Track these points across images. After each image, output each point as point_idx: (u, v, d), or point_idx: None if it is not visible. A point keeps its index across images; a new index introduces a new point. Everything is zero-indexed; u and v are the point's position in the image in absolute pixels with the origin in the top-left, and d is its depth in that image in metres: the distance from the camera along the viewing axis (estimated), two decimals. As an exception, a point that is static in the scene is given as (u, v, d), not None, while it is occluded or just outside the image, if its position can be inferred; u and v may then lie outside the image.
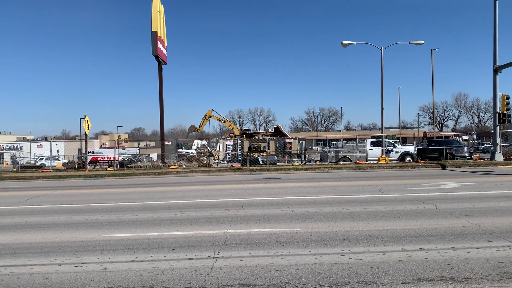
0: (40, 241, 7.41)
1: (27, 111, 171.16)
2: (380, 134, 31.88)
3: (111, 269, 5.56)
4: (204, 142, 45.25)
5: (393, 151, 31.77)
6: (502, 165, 24.32)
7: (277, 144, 44.46)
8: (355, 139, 34.03)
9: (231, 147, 42.83)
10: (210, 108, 43.17)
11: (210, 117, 43.52)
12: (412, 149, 33.07)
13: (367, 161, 30.21)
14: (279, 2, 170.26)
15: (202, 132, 45.46)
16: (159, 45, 32.92)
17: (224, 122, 47.14)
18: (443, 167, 23.95)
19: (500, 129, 29.72)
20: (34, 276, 5.39)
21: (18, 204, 12.95)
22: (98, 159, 38.06)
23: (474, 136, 59.59)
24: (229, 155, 42.02)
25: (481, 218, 8.32)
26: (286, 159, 37.98)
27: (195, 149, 46.97)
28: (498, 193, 12.04)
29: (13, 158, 42.97)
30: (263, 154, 36.13)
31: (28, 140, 78.15)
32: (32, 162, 43.90)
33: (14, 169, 34.56)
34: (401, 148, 32.54)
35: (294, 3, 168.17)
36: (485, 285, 4.57)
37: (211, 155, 40.46)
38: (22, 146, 55.20)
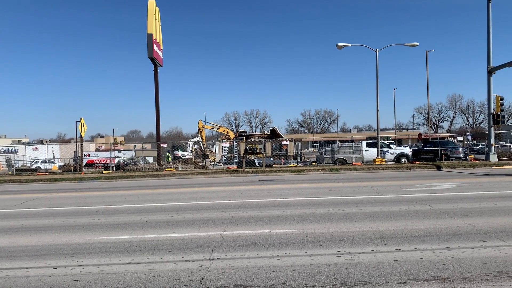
0: (36, 244, 7.40)
1: (22, 114, 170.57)
2: (376, 136, 32.00)
3: (108, 271, 5.56)
4: (198, 138, 44.96)
5: (388, 152, 31.90)
6: (496, 166, 24.46)
7: (273, 146, 44.46)
8: (350, 141, 34.16)
9: (227, 149, 42.84)
10: (199, 119, 43.59)
11: (203, 127, 43.79)
12: (407, 150, 33.21)
13: (362, 163, 30.30)
14: (275, 4, 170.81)
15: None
16: (155, 48, 32.93)
17: (218, 128, 47.51)
18: (438, 168, 24.06)
19: (494, 130, 29.91)
20: (30, 278, 5.39)
21: (13, 207, 12.90)
22: (94, 161, 38.02)
23: (469, 137, 59.94)
24: (225, 157, 42.02)
25: (475, 218, 8.39)
26: (282, 160, 37.99)
27: (190, 151, 46.93)
28: (493, 194, 12.13)
29: (8, 161, 42.73)
30: (259, 156, 36.11)
31: (23, 143, 77.62)
32: (28, 165, 43.66)
33: (10, 172, 34.41)
34: (396, 150, 32.69)
35: (289, 4, 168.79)
36: (479, 284, 4.61)
37: (206, 157, 40.40)
38: (17, 149, 54.88)
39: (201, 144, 44.21)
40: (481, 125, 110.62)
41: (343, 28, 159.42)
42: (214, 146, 50.01)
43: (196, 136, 47.04)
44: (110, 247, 6.98)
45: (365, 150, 32.19)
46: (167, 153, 40.87)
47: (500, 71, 28.26)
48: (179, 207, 11.53)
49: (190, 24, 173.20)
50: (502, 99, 27.87)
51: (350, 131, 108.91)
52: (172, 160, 37.07)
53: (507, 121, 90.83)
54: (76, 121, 39.39)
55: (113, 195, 15.77)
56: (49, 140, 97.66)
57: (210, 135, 75.17)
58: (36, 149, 61.01)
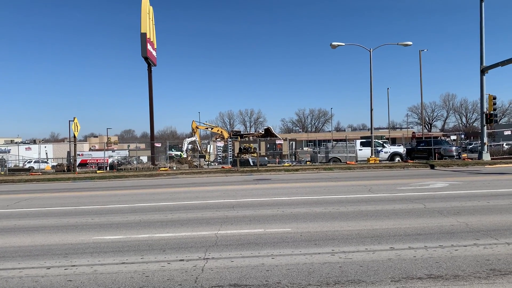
0: (29, 244, 7.34)
1: (15, 114, 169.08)
2: (370, 135, 32.11)
3: (101, 271, 5.54)
4: (195, 138, 44.92)
5: (382, 151, 32.03)
6: (489, 165, 24.63)
7: (268, 145, 44.53)
8: (345, 140, 34.29)
9: (221, 149, 42.80)
10: (192, 120, 43.51)
11: (197, 128, 43.75)
12: (401, 149, 33.36)
13: (357, 162, 30.39)
14: (269, 3, 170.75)
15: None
16: (149, 47, 32.81)
17: (212, 129, 47.47)
18: (432, 167, 24.19)
19: (487, 129, 30.09)
20: (23, 279, 5.35)
21: (6, 207, 12.80)
22: (88, 161, 37.80)
23: (462, 136, 60.29)
24: (219, 157, 41.98)
25: (468, 216, 8.44)
26: (277, 160, 38.06)
27: (185, 150, 46.81)
28: (485, 192, 12.21)
29: (1, 161, 42.42)
30: (253, 155, 36.15)
31: (16, 143, 77.09)
32: (21, 165, 43.38)
33: (2, 172, 34.14)
34: (390, 149, 32.83)
35: (284, 4, 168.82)
36: (472, 282, 4.64)
37: (202, 156, 40.34)
38: (10, 149, 54.47)
39: (197, 144, 44.12)
40: (474, 124, 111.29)
41: (337, 28, 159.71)
42: (208, 146, 49.90)
43: (191, 136, 46.87)
44: (103, 247, 6.95)
45: (359, 149, 32.30)
46: (180, 152, 41.40)
47: (493, 70, 28.50)
48: (173, 206, 11.50)
49: (184, 23, 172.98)
50: (494, 98, 28.07)
51: (344, 130, 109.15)
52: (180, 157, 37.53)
53: (500, 120, 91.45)
54: (69, 121, 39.25)
55: (106, 195, 15.70)
56: (42, 140, 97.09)
57: (204, 135, 74.97)
58: (29, 149, 60.64)
